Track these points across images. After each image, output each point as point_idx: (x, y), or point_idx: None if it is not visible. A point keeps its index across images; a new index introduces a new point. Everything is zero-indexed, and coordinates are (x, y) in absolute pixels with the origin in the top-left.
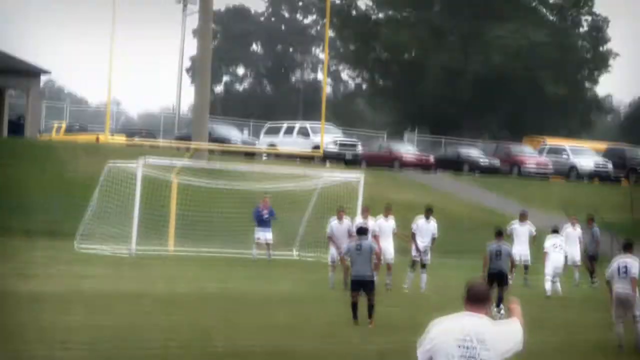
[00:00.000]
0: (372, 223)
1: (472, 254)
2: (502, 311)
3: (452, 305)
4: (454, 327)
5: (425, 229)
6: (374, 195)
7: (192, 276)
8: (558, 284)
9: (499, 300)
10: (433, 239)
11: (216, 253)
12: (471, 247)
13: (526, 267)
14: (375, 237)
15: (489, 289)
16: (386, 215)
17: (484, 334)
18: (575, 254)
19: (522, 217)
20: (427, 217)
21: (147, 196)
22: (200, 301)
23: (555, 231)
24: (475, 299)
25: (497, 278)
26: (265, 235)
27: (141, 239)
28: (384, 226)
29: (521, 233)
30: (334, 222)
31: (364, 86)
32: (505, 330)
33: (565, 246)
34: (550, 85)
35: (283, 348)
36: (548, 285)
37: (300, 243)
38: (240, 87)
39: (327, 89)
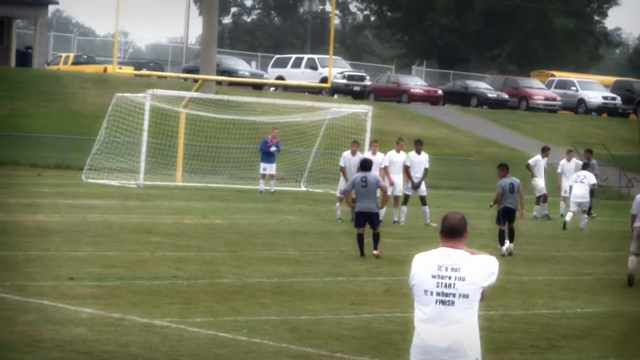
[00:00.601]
0: (382, 156)
1: (479, 187)
2: (512, 245)
3: None
4: (430, 261)
5: (418, 161)
6: (381, 128)
7: (199, 209)
8: (584, 217)
9: (512, 234)
10: (425, 171)
11: (223, 185)
12: (479, 180)
13: (541, 197)
14: (386, 170)
15: (464, 220)
16: (398, 150)
17: (459, 264)
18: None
19: (546, 152)
20: (418, 151)
21: (155, 128)
22: (207, 234)
23: (586, 165)
24: (450, 232)
25: (512, 213)
26: (270, 167)
27: (149, 171)
28: (395, 159)
29: (542, 166)
30: (347, 153)
31: (372, 18)
32: (481, 261)
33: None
34: (559, 18)
35: (290, 283)
36: (568, 217)
37: (308, 176)
38: (248, 19)
39: (336, 21)
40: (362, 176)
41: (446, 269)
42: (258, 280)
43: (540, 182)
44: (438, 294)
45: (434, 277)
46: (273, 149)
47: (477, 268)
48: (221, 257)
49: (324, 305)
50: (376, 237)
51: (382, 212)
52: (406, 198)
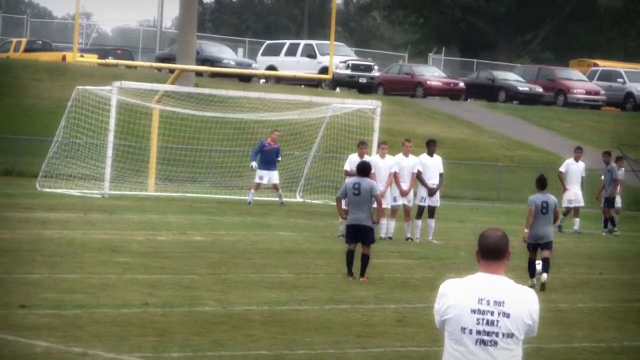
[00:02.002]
0: (392, 160)
1: (508, 197)
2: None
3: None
4: (468, 292)
5: (431, 165)
6: (392, 128)
7: (176, 223)
8: None
9: (547, 264)
10: (441, 177)
11: (204, 195)
12: (508, 189)
13: (577, 210)
14: (396, 177)
15: (506, 238)
16: (406, 154)
17: (504, 297)
18: (578, 193)
19: (578, 153)
20: (431, 153)
21: (123, 127)
22: (185, 253)
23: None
24: (491, 253)
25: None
26: (270, 175)
27: (116, 178)
28: (403, 164)
29: (575, 172)
30: (353, 156)
31: None
32: (526, 294)
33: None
34: None
35: (284, 311)
36: None
37: (305, 184)
38: None
39: (337, 1)
40: (355, 182)
41: (488, 303)
42: (245, 308)
43: (569, 194)
44: (478, 332)
45: (473, 311)
46: (272, 154)
47: (522, 302)
48: (202, 281)
49: (324, 338)
50: (365, 260)
51: (385, 228)
52: (420, 210)
